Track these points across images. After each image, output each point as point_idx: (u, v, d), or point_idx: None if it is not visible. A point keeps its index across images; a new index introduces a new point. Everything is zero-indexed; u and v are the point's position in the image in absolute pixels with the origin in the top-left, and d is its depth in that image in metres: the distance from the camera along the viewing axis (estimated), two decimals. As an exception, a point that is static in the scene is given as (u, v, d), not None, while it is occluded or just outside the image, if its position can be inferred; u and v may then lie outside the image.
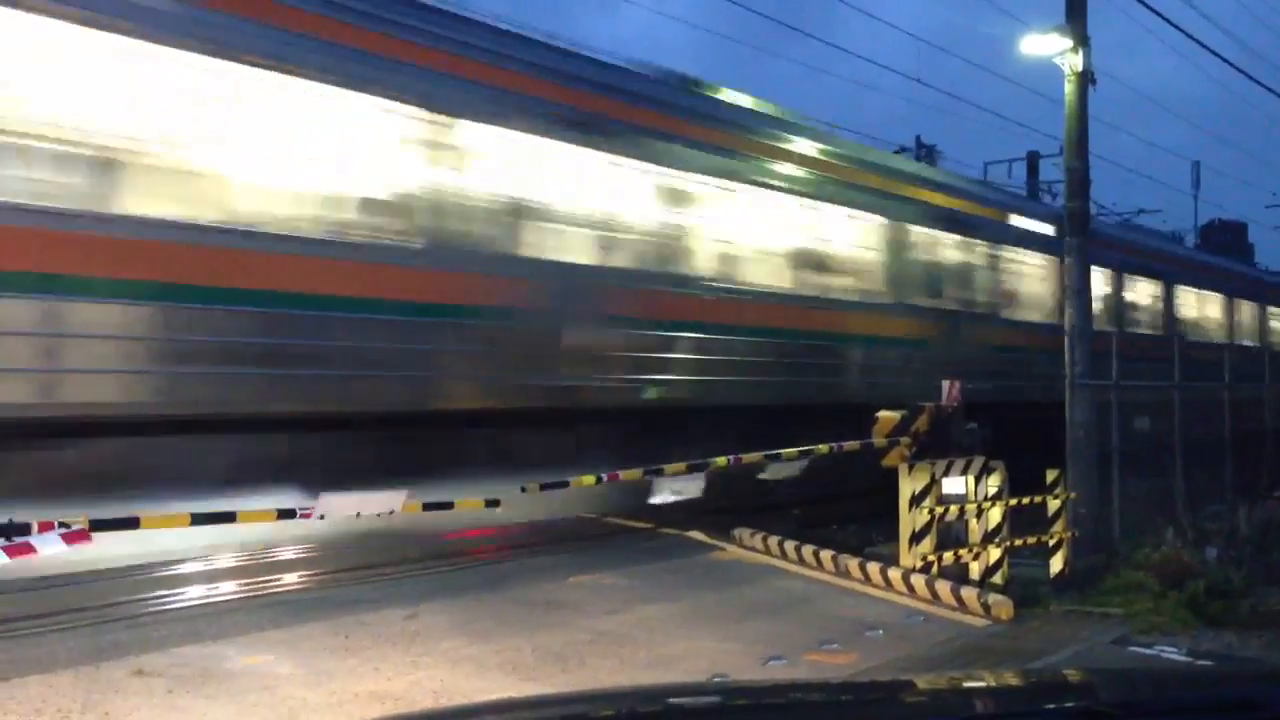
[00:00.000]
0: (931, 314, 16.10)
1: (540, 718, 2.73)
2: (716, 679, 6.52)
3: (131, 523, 6.41)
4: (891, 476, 10.09)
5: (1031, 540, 10.29)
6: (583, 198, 11.36)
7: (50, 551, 5.78)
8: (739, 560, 10.98)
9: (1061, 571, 10.33)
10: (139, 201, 8.29)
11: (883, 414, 10.47)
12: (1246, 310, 26.83)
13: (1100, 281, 19.07)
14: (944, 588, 9.35)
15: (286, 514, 7.03)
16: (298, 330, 9.14)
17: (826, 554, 10.51)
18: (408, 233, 9.94)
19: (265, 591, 9.07)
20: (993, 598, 9.16)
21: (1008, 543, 9.95)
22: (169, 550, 9.18)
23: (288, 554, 10.22)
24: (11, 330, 7.71)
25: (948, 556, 9.71)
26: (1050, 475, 10.51)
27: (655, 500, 11.26)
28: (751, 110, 13.98)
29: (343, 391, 9.47)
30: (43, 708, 5.99)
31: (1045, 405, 12.37)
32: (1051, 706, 2.71)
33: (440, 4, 10.56)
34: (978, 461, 10.04)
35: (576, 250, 11.34)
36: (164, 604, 8.52)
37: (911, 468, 9.91)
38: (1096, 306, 15.34)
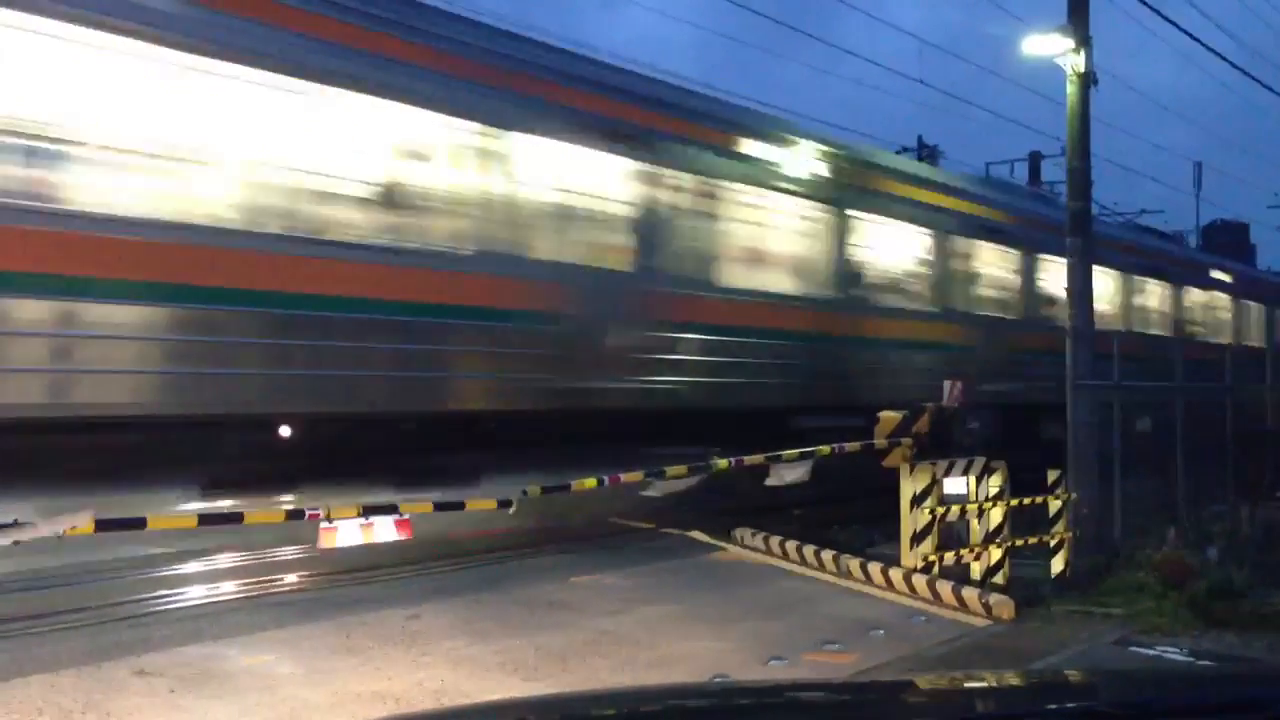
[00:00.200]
0: (976, 320, 17.02)
1: (542, 718, 2.73)
2: (718, 679, 6.52)
3: (139, 523, 6.42)
4: (897, 476, 10.09)
5: (1033, 540, 10.29)
6: (635, 204, 11.99)
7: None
8: (740, 560, 10.98)
9: (1063, 572, 10.33)
10: (302, 225, 9.29)
11: (884, 414, 10.47)
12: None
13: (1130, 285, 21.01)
14: (945, 588, 9.35)
15: (295, 515, 7.04)
16: (425, 338, 10.11)
17: (828, 554, 10.51)
18: (492, 243, 10.60)
19: (267, 591, 9.08)
20: (994, 598, 9.15)
21: (1009, 543, 9.95)
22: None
23: (289, 554, 10.22)
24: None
25: (949, 557, 9.71)
26: (1051, 475, 10.52)
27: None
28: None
29: (440, 391, 10.38)
30: (45, 707, 6.00)
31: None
32: (1053, 707, 2.71)
33: (481, 18, 11.31)
34: (979, 462, 10.04)
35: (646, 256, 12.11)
36: (166, 604, 8.53)
37: (913, 468, 9.91)
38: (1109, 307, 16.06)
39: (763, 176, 13.48)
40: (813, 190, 14.19)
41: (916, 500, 9.75)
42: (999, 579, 9.75)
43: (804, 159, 14.17)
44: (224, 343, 8.82)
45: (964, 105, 22.54)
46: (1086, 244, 12.19)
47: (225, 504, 8.93)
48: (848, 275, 14.84)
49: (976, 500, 9.91)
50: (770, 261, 13.83)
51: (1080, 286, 12.01)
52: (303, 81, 9.15)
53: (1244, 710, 2.54)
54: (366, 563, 9.59)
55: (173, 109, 8.48)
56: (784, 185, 13.77)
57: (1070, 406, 11.58)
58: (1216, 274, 25.93)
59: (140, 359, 8.43)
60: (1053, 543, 10.39)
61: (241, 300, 8.89)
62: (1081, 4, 12.10)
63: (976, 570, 9.82)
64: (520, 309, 10.77)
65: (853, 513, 13.04)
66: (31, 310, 7.83)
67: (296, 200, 9.23)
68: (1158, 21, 13.18)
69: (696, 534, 11.87)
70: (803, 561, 10.68)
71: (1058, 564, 10.36)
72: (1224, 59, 15.84)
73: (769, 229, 13.79)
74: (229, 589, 9.14)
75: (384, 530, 7.10)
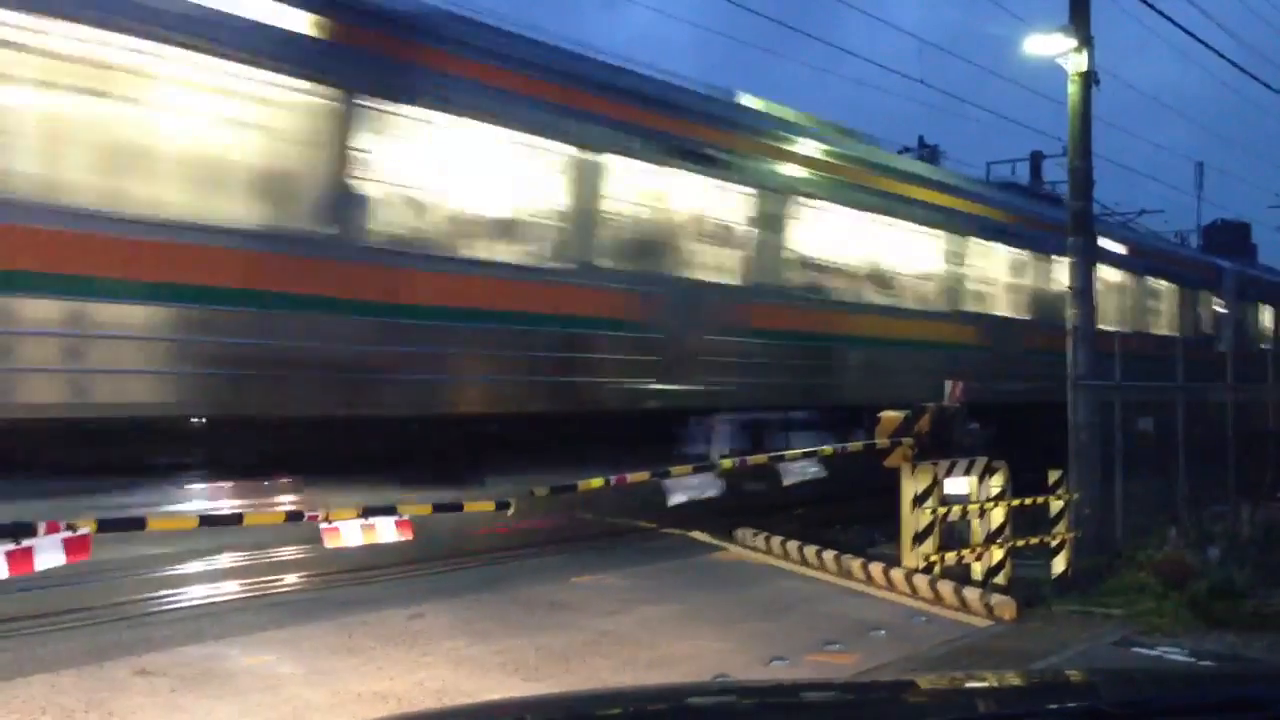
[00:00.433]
0: (999, 321, 17.74)
1: (543, 718, 2.73)
2: (719, 679, 6.52)
3: (138, 523, 6.42)
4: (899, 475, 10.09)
5: (1034, 541, 10.28)
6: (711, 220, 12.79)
7: (50, 564, 5.74)
8: (741, 560, 10.98)
9: (1064, 572, 10.33)
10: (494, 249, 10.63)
11: (885, 414, 10.47)
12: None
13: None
14: (946, 588, 9.35)
15: (295, 516, 7.03)
16: (553, 345, 11.04)
17: (829, 554, 10.51)
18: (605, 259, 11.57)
19: (268, 591, 9.08)
20: (995, 598, 9.15)
21: (1010, 543, 9.94)
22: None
23: (290, 554, 10.22)
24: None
25: (950, 557, 9.71)
26: (1052, 476, 10.52)
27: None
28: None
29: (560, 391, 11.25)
30: (46, 707, 6.00)
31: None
32: (1054, 707, 2.71)
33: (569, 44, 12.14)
34: (980, 462, 10.04)
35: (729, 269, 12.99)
36: (167, 604, 8.53)
37: (914, 468, 9.91)
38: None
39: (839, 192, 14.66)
40: (862, 203, 14.96)
41: (918, 500, 9.75)
42: (1000, 579, 9.75)
43: (859, 174, 15.17)
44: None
45: (965, 105, 22.47)
46: (1088, 243, 12.21)
47: (225, 505, 8.99)
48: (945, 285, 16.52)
49: (978, 500, 9.91)
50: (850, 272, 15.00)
51: (1081, 285, 12.03)
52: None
53: (1245, 710, 2.54)
54: (367, 563, 9.60)
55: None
56: (844, 198, 14.70)
57: (1071, 406, 11.58)
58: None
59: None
60: (1054, 543, 10.39)
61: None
62: (1083, 4, 12.10)
63: (978, 570, 9.82)
64: (631, 320, 11.77)
65: (854, 513, 13.04)
66: None
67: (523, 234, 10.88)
68: (1157, 19, 13.18)
69: (697, 534, 11.88)
70: (804, 562, 10.69)
71: (1059, 564, 10.36)
72: (1226, 59, 15.84)
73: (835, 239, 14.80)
74: (230, 589, 9.14)
75: (385, 531, 7.09)
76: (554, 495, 8.36)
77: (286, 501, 9.49)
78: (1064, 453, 11.12)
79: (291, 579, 9.53)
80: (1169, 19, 13.35)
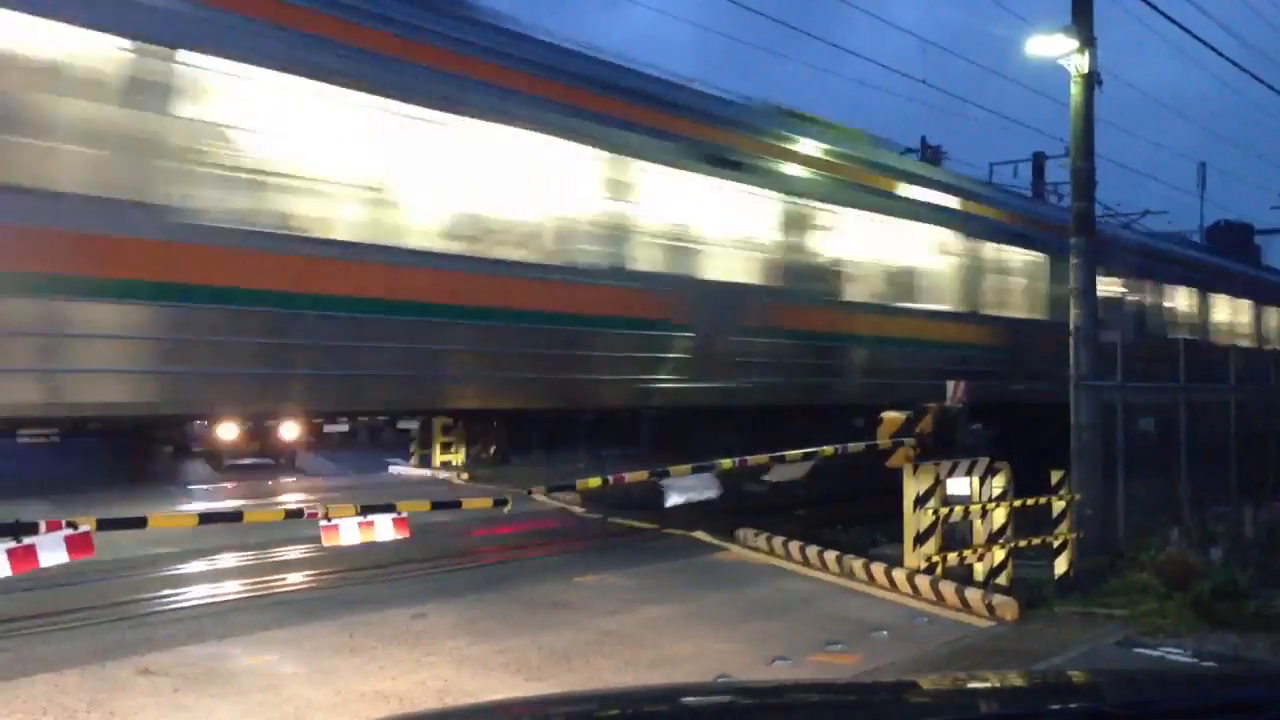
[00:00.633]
0: (1014, 323, 18.03)
1: (545, 718, 2.73)
2: (721, 679, 6.52)
3: (139, 522, 6.42)
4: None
5: (1036, 541, 10.28)
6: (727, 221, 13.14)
7: (53, 562, 5.77)
8: (743, 561, 10.98)
9: (1066, 573, 10.32)
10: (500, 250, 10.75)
11: (887, 415, 10.47)
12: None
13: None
14: (948, 589, 9.34)
15: (294, 514, 7.04)
16: (592, 345, 11.43)
17: (831, 555, 10.50)
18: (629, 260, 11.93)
19: (270, 591, 9.09)
20: (997, 599, 9.15)
21: (1012, 544, 9.94)
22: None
23: (292, 553, 10.24)
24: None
25: (952, 557, 9.70)
26: (1055, 476, 10.51)
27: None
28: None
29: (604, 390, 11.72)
30: (49, 706, 6.01)
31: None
32: (1056, 708, 2.71)
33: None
34: (982, 462, 10.03)
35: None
36: (169, 603, 8.55)
37: (916, 469, 9.90)
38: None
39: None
40: (881, 206, 15.28)
41: (920, 501, 9.74)
42: (1002, 580, 9.74)
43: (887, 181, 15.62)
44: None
45: (967, 105, 22.44)
46: (1091, 244, 12.19)
47: (225, 504, 9.05)
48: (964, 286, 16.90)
49: (980, 501, 9.90)
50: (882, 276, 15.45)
51: (1084, 286, 12.02)
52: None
53: (1248, 711, 2.53)
54: (369, 562, 9.61)
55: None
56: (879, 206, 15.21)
57: (1074, 406, 11.57)
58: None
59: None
60: (1056, 543, 10.38)
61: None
62: (1085, 5, 12.09)
63: (980, 571, 9.81)
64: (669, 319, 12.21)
65: (855, 513, 13.03)
66: None
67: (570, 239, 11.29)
68: (1158, 19, 13.15)
69: (699, 534, 11.88)
70: (805, 562, 10.68)
71: (1061, 565, 10.35)
72: (1229, 60, 15.81)
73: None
74: (232, 588, 9.15)
75: (383, 529, 7.10)
76: (550, 494, 8.38)
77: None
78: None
79: (294, 578, 9.54)
80: (1170, 19, 13.33)
